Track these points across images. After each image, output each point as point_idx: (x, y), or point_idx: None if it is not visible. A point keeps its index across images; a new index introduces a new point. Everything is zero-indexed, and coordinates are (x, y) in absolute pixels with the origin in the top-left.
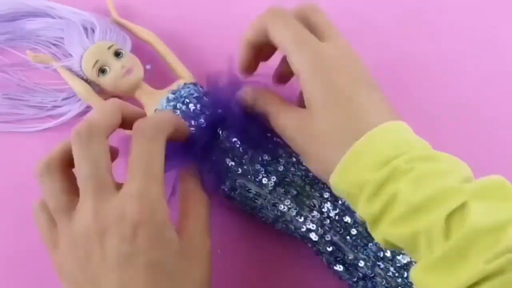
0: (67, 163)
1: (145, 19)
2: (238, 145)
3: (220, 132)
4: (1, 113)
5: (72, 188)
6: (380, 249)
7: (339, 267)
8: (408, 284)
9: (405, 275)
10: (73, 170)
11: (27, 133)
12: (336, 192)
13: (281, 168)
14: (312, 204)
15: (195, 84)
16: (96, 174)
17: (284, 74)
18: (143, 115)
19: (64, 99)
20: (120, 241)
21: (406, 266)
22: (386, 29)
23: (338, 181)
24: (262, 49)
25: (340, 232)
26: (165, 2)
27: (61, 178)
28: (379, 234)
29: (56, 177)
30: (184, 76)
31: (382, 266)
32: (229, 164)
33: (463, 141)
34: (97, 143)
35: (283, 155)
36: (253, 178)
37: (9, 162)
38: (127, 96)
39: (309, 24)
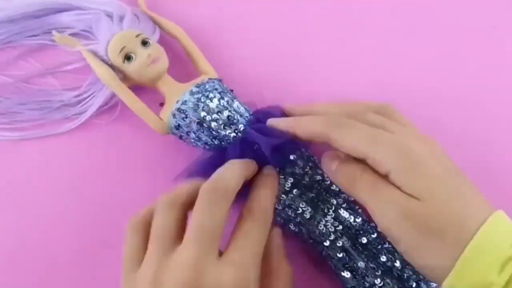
0: (188, 205)
1: (172, 14)
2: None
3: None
4: (31, 120)
5: (181, 231)
6: (389, 260)
7: (346, 274)
8: None
9: (414, 285)
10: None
11: (56, 135)
12: None
13: (298, 171)
14: (326, 209)
15: (219, 80)
16: (209, 231)
17: None
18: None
19: (85, 96)
20: None
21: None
22: (386, 28)
23: (456, 285)
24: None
25: (352, 239)
26: None
27: (179, 216)
28: None
29: (174, 212)
30: (209, 72)
31: (390, 277)
32: None
33: (463, 141)
34: (222, 206)
35: (303, 157)
36: None
37: (42, 167)
38: (150, 85)
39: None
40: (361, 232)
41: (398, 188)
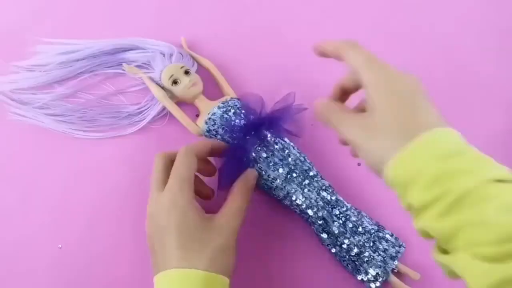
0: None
1: (205, 53)
2: (268, 139)
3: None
4: (104, 125)
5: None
6: (355, 226)
7: (324, 235)
8: (374, 250)
9: (375, 242)
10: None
11: (124, 135)
12: (389, 178)
13: (292, 162)
14: (311, 189)
15: (238, 99)
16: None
17: (346, 91)
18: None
19: (144, 108)
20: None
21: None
22: (385, 27)
23: (396, 167)
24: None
25: (329, 210)
26: (221, 41)
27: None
28: (421, 225)
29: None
30: (230, 93)
31: (357, 238)
32: (257, 155)
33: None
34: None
35: (296, 153)
36: (273, 167)
37: (114, 159)
38: (190, 102)
39: None
40: (335, 204)
41: (367, 100)
